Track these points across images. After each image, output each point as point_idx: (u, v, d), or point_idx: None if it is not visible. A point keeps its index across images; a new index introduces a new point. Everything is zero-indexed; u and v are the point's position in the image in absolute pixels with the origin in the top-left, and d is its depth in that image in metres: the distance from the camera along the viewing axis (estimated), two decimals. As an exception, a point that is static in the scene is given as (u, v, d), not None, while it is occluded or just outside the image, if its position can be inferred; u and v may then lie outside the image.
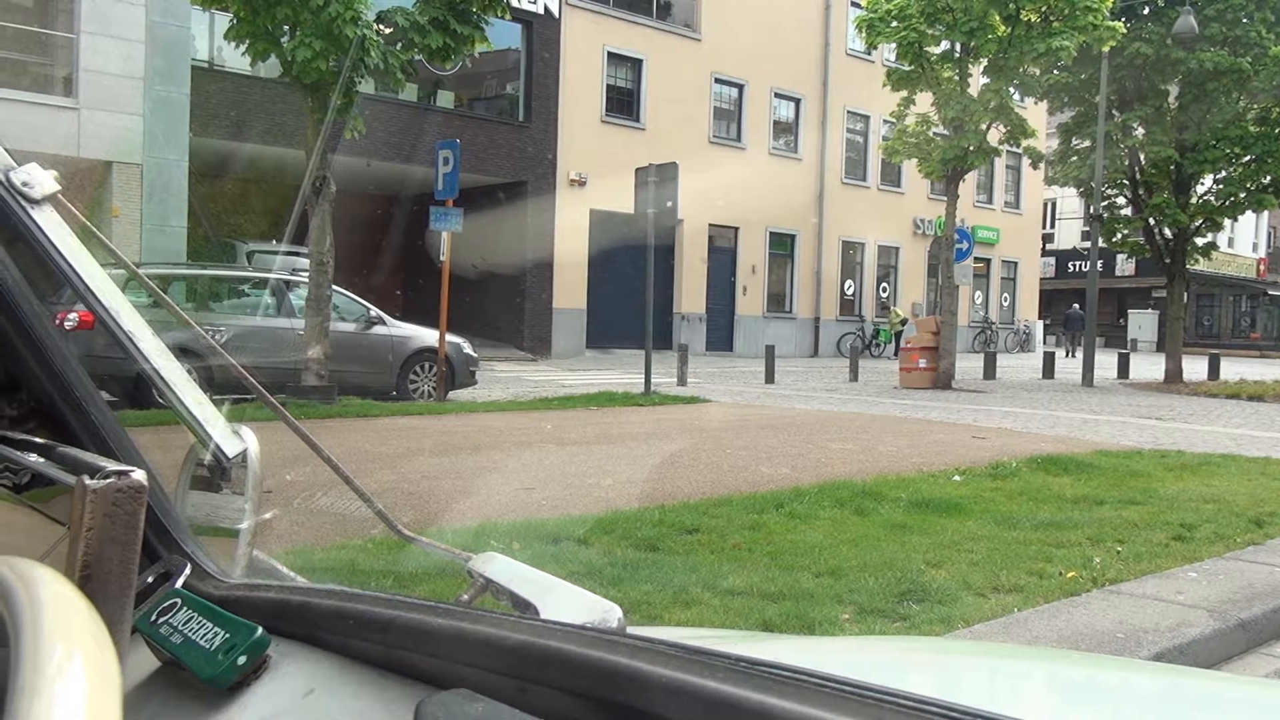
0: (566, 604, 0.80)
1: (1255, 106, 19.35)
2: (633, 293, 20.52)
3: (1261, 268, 47.27)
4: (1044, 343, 35.47)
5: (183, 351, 1.05)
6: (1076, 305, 35.39)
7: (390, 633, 0.72)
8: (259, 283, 12.92)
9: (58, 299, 8.15)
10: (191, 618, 0.80)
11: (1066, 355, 30.85)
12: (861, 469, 7.50)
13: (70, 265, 0.95)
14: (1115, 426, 11.71)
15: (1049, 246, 44.05)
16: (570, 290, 23.42)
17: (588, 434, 9.69)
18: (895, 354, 26.93)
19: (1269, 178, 19.17)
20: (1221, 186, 19.76)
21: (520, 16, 21.86)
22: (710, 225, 26.08)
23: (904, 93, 17.66)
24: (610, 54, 24.33)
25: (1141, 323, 41.65)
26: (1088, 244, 23.67)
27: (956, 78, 17.03)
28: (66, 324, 8.71)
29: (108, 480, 0.73)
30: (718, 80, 26.55)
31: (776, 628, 3.69)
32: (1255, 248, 47.79)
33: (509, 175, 22.58)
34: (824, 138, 28.98)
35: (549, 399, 12.78)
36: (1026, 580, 4.49)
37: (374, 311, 12.65)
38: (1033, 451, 8.50)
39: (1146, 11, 19.46)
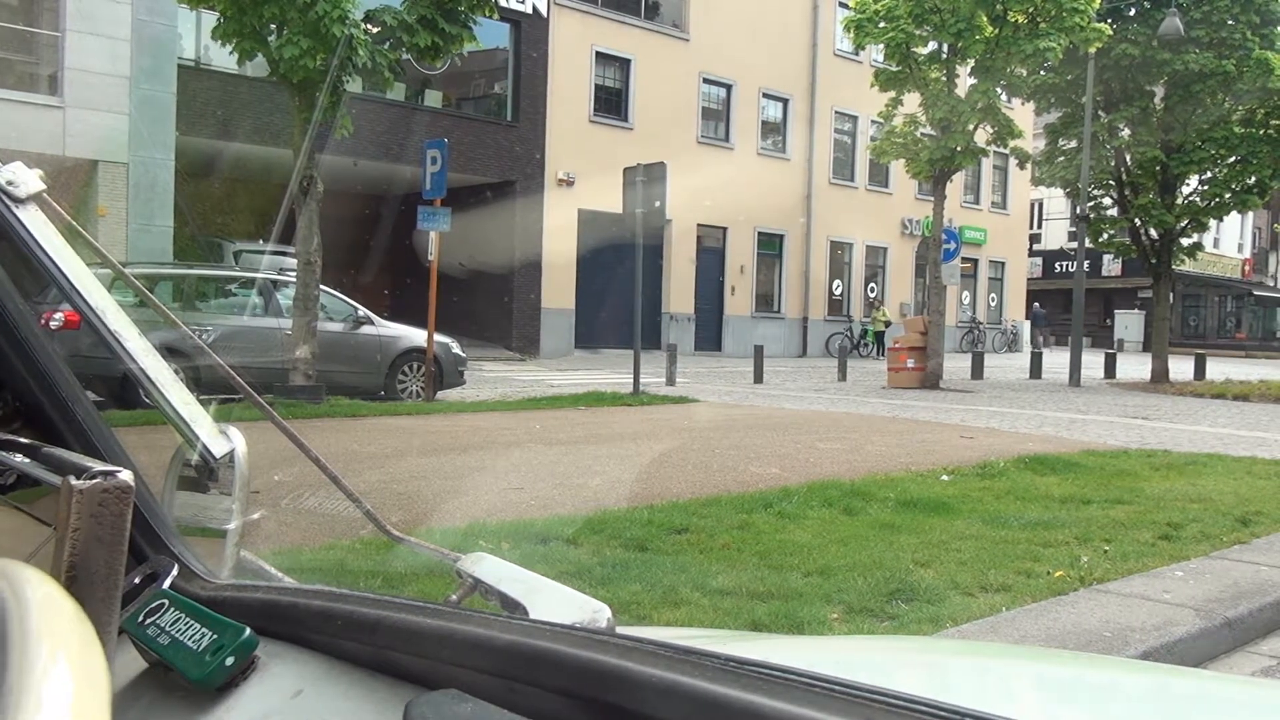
0: (555, 604, 0.80)
1: (1240, 108, 19.47)
2: (621, 293, 20.52)
3: (1246, 268, 47.54)
4: (1031, 343, 35.64)
5: (169, 351, 1.04)
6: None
7: (379, 633, 0.72)
8: (246, 282, 12.88)
9: (43, 298, 8.12)
10: (179, 618, 0.79)
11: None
12: (850, 469, 7.51)
13: (55, 265, 0.95)
14: (1102, 426, 11.76)
15: (1036, 247, 44.23)
16: (558, 290, 23.40)
17: (576, 434, 9.69)
18: (880, 354, 27.03)
19: (1254, 178, 19.29)
20: (1207, 187, 19.88)
21: (508, 16, 21.85)
22: (698, 225, 26.10)
23: (892, 93, 17.69)
24: (598, 54, 24.32)
25: (1128, 323, 41.86)
26: (1074, 244, 23.77)
27: (944, 78, 17.07)
28: (52, 324, 8.67)
29: (94, 481, 0.72)
30: (706, 80, 26.57)
31: (765, 627, 3.69)
32: (1240, 248, 48.07)
33: (497, 175, 22.55)
34: (812, 138, 29.03)
35: (537, 399, 12.77)
36: (1014, 579, 4.51)
37: (362, 311, 12.61)
38: (1020, 451, 8.53)
39: (1133, 13, 19.55)
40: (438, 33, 11.46)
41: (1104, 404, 15.19)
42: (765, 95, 28.06)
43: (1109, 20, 18.04)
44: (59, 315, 8.68)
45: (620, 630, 0.75)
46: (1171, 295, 22.79)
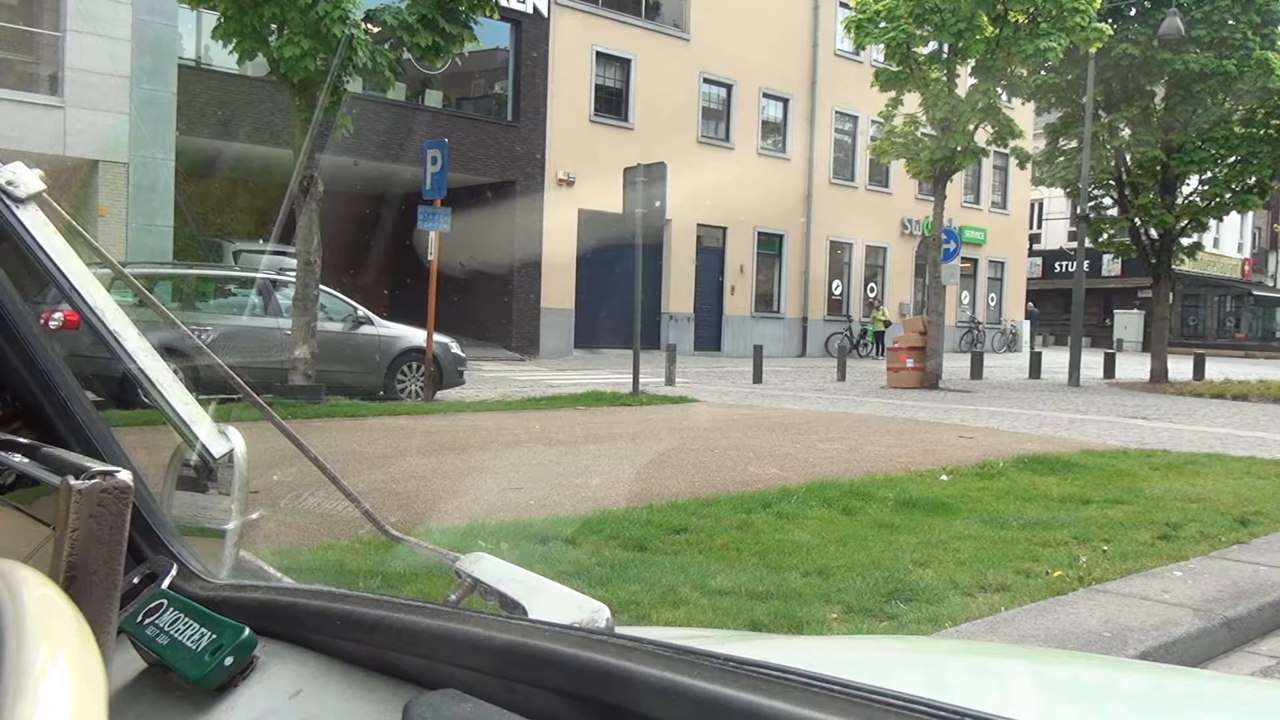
0: (554, 604, 0.80)
1: (1240, 108, 19.47)
2: (621, 292, 20.52)
3: (1246, 268, 47.53)
4: (1031, 343, 35.66)
5: (169, 351, 1.04)
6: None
7: (378, 633, 0.72)
8: (246, 282, 12.87)
9: (43, 298, 8.10)
10: (178, 619, 0.79)
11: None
12: (849, 468, 7.51)
13: (55, 264, 0.95)
14: (1101, 426, 11.76)
15: (1035, 247, 44.21)
16: (558, 290, 23.40)
17: (575, 434, 9.69)
18: (880, 354, 27.03)
19: (1254, 178, 19.30)
20: (1207, 187, 19.88)
21: (509, 16, 21.84)
22: (698, 225, 26.10)
23: (892, 93, 17.69)
24: (599, 53, 24.32)
25: (1127, 323, 41.86)
26: (1074, 244, 23.78)
27: (944, 78, 17.07)
28: (51, 323, 8.66)
29: (93, 481, 0.72)
30: (706, 80, 26.56)
31: (764, 627, 3.69)
32: (1240, 248, 48.05)
33: (497, 175, 22.55)
34: (812, 138, 29.02)
35: (537, 399, 12.77)
36: (1013, 579, 4.51)
37: (361, 311, 12.61)
38: (1019, 451, 8.53)
39: (1133, 13, 19.56)
40: (438, 32, 11.45)
41: (1103, 404, 15.19)
42: (765, 95, 28.06)
43: (1109, 20, 18.04)
44: (59, 315, 8.67)
45: (619, 630, 0.75)
46: (1171, 295, 22.80)
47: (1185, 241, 20.65)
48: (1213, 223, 21.90)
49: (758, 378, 17.70)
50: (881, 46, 17.42)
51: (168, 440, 0.99)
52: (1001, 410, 13.46)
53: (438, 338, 12.55)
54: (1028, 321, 37.25)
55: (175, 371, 0.99)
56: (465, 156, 20.83)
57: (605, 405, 12.20)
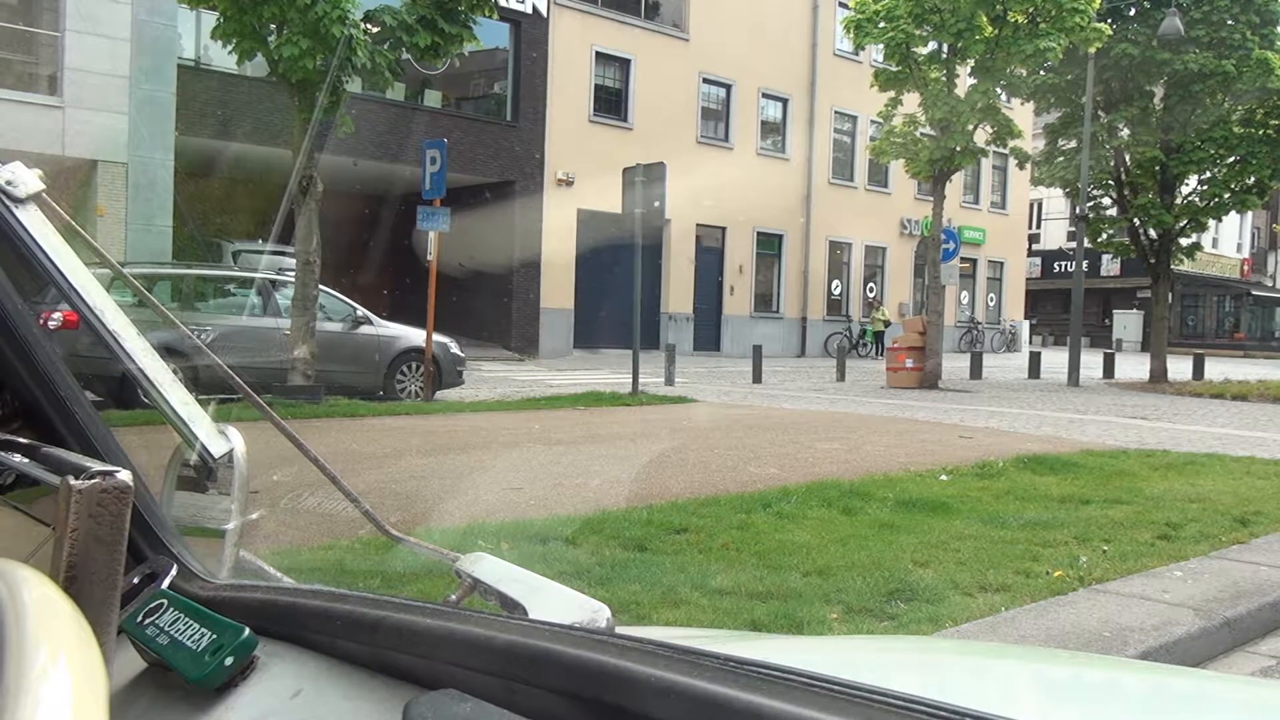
0: (555, 604, 0.80)
1: (1239, 108, 19.47)
2: (620, 292, 20.53)
3: (1245, 268, 47.55)
4: (1030, 343, 35.62)
5: (168, 351, 1.04)
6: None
7: (378, 633, 0.71)
8: (245, 282, 12.88)
9: (42, 298, 8.11)
10: (178, 619, 0.79)
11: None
12: (849, 468, 7.51)
13: (55, 264, 0.95)
14: (1101, 426, 11.76)
15: (1035, 247, 44.22)
16: (558, 290, 23.40)
17: (575, 434, 9.68)
18: (879, 354, 27.04)
19: (1253, 179, 19.30)
20: (1206, 187, 19.89)
21: (508, 16, 21.84)
22: (698, 225, 26.10)
23: (891, 93, 17.69)
24: (598, 54, 24.32)
25: (1126, 323, 41.87)
26: (1073, 244, 23.79)
27: (944, 78, 17.07)
28: (51, 324, 8.66)
29: (93, 481, 0.72)
30: (705, 80, 26.56)
31: (765, 627, 3.69)
32: (1239, 248, 48.07)
33: (496, 175, 22.55)
34: (811, 138, 29.03)
35: (536, 399, 12.77)
36: (1013, 579, 4.51)
37: (361, 311, 12.61)
38: (1019, 451, 8.53)
39: (1133, 13, 19.57)
40: (437, 33, 11.46)
41: (1103, 404, 15.19)
42: (765, 95, 28.06)
43: (1109, 20, 18.05)
44: (58, 315, 8.67)
45: (620, 630, 0.75)
46: (1170, 295, 22.81)
47: (1184, 241, 20.66)
48: (1212, 223, 21.92)
49: (757, 378, 17.70)
50: (881, 46, 17.42)
51: (168, 440, 0.98)
52: (1001, 410, 13.46)
53: (437, 338, 12.55)
54: (1027, 323, 37.26)
55: (175, 371, 0.99)
56: (464, 156, 20.82)
57: (605, 405, 12.20)
